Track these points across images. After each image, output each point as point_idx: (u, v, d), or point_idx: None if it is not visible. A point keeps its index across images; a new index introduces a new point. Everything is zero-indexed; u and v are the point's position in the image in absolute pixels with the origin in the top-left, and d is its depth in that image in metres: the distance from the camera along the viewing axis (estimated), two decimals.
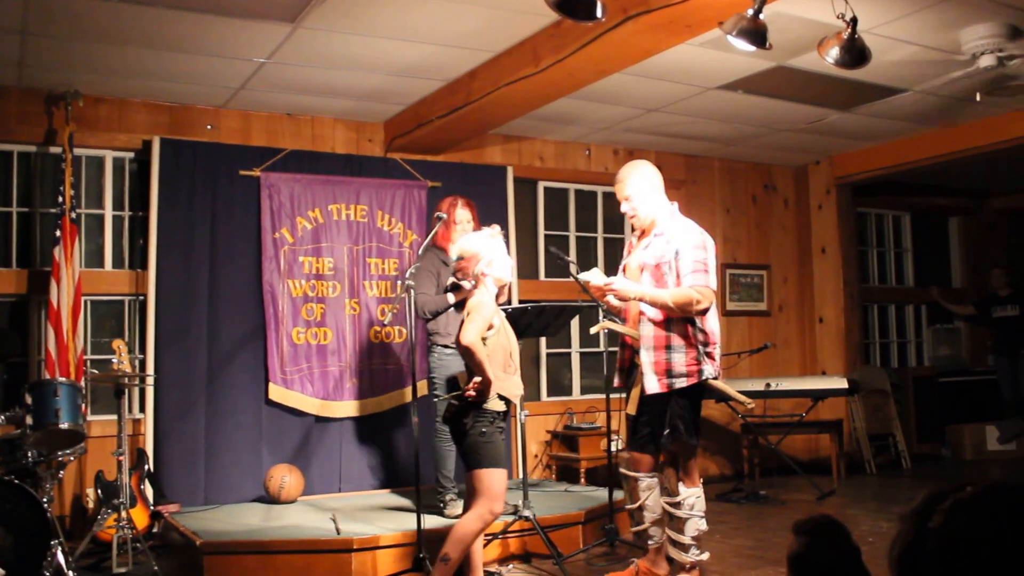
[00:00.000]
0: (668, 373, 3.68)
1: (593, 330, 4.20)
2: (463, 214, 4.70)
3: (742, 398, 3.83)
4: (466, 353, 3.36)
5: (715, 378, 3.75)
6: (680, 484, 3.76)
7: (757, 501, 6.04)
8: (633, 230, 4.02)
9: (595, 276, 3.84)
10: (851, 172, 7.56)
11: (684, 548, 3.74)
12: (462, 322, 3.46)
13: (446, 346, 4.52)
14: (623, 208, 3.89)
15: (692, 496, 3.73)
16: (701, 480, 3.84)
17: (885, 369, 8.17)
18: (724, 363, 6.95)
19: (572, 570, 4.14)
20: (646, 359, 3.73)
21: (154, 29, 4.42)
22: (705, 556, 3.81)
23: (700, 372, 3.69)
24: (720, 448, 7.29)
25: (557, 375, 6.78)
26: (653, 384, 3.70)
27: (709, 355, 3.73)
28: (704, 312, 3.68)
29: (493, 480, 3.38)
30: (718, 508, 5.88)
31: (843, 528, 1.66)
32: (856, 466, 7.24)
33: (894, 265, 8.81)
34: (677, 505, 3.75)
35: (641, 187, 3.81)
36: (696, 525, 3.74)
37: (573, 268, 4.76)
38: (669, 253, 3.71)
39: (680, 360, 3.69)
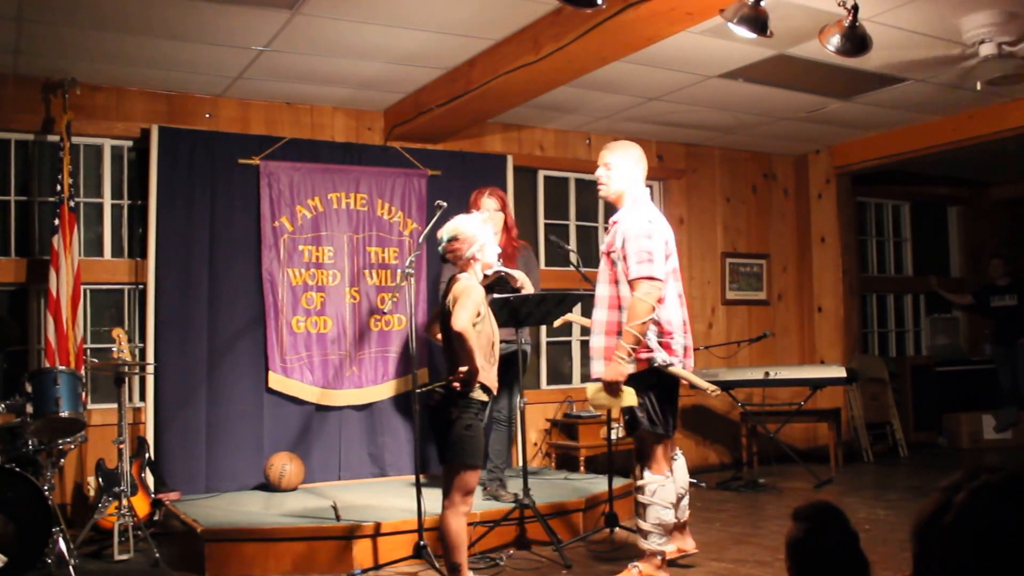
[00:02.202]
0: None
1: (556, 324, 4.33)
2: (490, 203, 4.71)
3: (703, 384, 3.80)
4: (457, 339, 3.31)
5: (669, 365, 3.69)
6: (646, 471, 3.77)
7: (755, 489, 6.07)
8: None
9: (595, 391, 3.73)
10: (851, 161, 7.55)
11: (643, 534, 3.75)
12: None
13: None
14: (597, 172, 3.89)
15: (654, 483, 3.72)
16: (669, 470, 3.81)
17: (883, 358, 8.19)
18: (724, 352, 7.00)
19: (572, 557, 4.16)
20: (595, 344, 3.79)
21: (152, 16, 4.40)
22: (669, 548, 3.79)
23: (650, 360, 3.66)
24: (719, 436, 7.31)
25: (557, 363, 6.79)
26: (599, 369, 3.75)
27: (663, 345, 3.69)
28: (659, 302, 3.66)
29: (473, 478, 3.40)
30: (717, 496, 5.91)
31: (841, 514, 1.67)
32: (854, 454, 7.27)
33: (893, 254, 8.81)
34: (639, 490, 3.77)
35: (622, 162, 3.83)
36: (657, 513, 3.71)
37: (573, 257, 4.77)
38: (617, 242, 3.73)
39: None
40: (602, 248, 3.89)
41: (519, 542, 4.46)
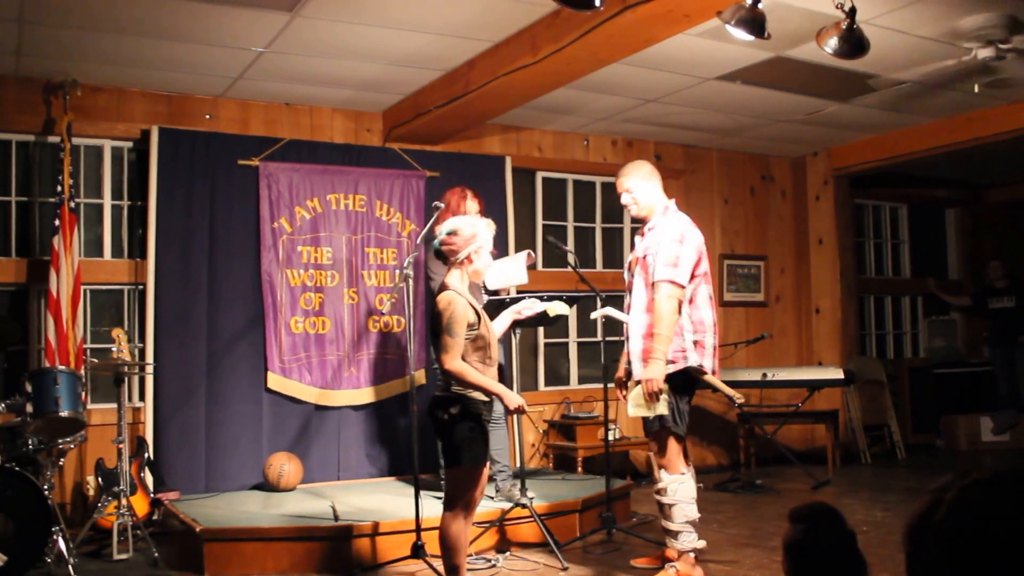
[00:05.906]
0: None
1: (593, 315, 4.29)
2: (472, 206, 4.71)
3: (729, 392, 3.83)
4: (455, 378, 3.27)
5: (700, 366, 3.74)
6: (661, 471, 3.79)
7: (753, 490, 6.08)
8: (634, 220, 4.04)
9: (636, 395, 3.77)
10: (848, 163, 7.56)
11: (674, 535, 3.77)
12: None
13: None
14: (623, 200, 4.00)
15: (674, 483, 3.75)
16: (687, 467, 3.82)
17: (881, 360, 8.20)
18: (720, 353, 6.99)
19: (569, 558, 4.17)
20: (634, 347, 3.82)
21: (152, 18, 4.42)
22: (700, 544, 3.81)
23: (684, 359, 3.73)
24: (717, 438, 7.32)
25: (555, 365, 6.81)
26: (640, 371, 3.78)
27: (696, 343, 3.75)
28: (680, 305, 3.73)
29: (474, 479, 3.36)
30: (715, 497, 5.92)
31: (839, 515, 1.67)
32: (851, 456, 7.28)
33: (891, 256, 8.82)
34: (661, 492, 3.79)
35: (639, 181, 3.93)
36: (684, 512, 3.73)
37: (571, 258, 4.78)
38: (654, 246, 3.82)
39: None
40: (637, 253, 3.95)
41: (516, 543, 4.47)
